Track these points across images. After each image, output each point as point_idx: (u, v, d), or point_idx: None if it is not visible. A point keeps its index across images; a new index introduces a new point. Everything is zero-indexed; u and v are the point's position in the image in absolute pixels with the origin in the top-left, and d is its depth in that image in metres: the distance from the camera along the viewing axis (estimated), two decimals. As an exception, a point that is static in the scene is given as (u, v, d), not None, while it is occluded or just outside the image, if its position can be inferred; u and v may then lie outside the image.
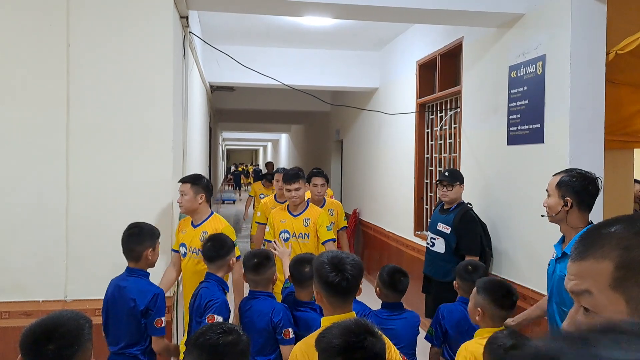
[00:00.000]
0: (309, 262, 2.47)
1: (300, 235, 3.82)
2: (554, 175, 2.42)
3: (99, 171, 2.87)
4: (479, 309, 2.39)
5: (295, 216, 3.87)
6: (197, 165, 5.80)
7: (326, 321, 1.77)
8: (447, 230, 3.72)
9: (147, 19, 3.16)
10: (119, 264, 2.61)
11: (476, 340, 2.35)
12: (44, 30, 3.07)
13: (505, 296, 2.40)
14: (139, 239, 2.54)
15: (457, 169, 4.70)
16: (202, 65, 5.87)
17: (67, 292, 3.09)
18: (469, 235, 3.61)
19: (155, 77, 3.17)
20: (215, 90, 7.76)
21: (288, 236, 3.81)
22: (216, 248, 2.65)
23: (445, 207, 3.85)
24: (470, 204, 3.94)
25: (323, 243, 3.80)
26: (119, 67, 3.15)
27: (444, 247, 3.72)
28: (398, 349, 1.91)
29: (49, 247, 3.04)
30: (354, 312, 1.84)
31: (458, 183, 3.77)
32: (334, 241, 3.93)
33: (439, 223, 3.79)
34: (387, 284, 2.70)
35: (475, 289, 2.43)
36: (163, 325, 2.47)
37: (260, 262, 2.53)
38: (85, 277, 3.08)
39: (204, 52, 5.91)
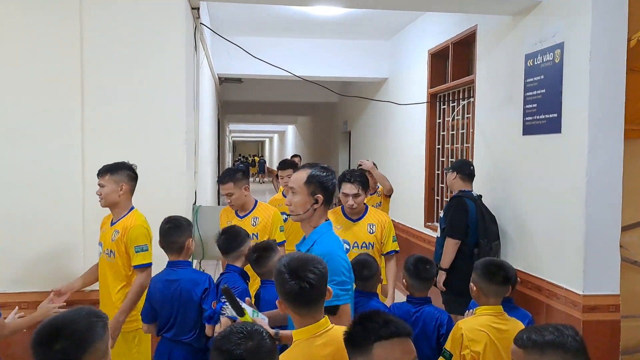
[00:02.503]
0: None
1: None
2: (296, 172, 2.17)
3: (112, 164, 2.84)
4: (472, 285, 2.45)
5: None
6: (207, 157, 5.78)
7: (298, 334, 1.63)
8: (441, 215, 4.00)
9: (159, 11, 3.12)
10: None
11: (472, 317, 2.40)
12: (57, 25, 3.06)
13: (494, 271, 2.40)
14: (179, 231, 2.60)
15: (470, 159, 4.66)
16: (211, 56, 5.82)
17: (85, 285, 3.10)
18: (451, 219, 3.76)
19: (168, 70, 3.14)
20: (224, 82, 7.71)
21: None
22: (229, 240, 2.74)
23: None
24: (480, 195, 3.97)
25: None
26: (132, 60, 3.13)
27: (439, 231, 3.95)
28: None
29: (67, 239, 3.05)
30: (326, 319, 1.66)
31: (450, 171, 3.98)
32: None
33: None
34: (412, 274, 2.67)
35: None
36: (218, 306, 2.57)
37: (259, 255, 2.57)
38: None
39: (212, 44, 5.86)
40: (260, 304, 2.49)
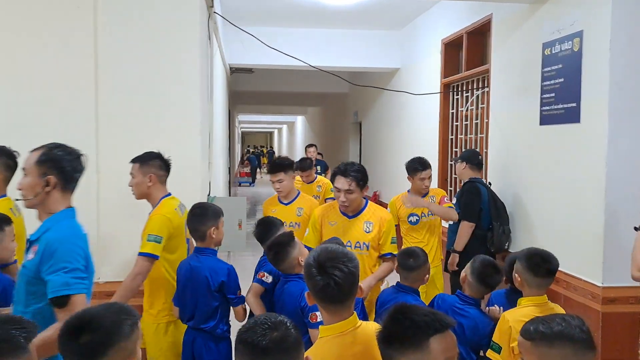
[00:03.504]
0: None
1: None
2: (31, 152, 1.94)
3: (128, 155, 2.82)
4: (516, 275, 2.40)
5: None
6: (220, 148, 5.78)
7: (325, 331, 1.58)
8: (454, 201, 4.21)
9: (174, 0, 3.10)
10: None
11: (516, 308, 2.36)
12: (71, 15, 3.05)
13: (539, 264, 2.33)
14: (201, 219, 2.60)
15: (484, 150, 4.63)
16: (223, 46, 5.80)
17: (99, 274, 3.11)
18: (465, 202, 3.96)
19: (183, 60, 3.13)
20: (234, 73, 7.69)
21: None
22: (266, 231, 2.83)
23: None
24: (490, 183, 4.14)
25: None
26: (146, 50, 3.12)
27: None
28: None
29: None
30: (355, 316, 1.60)
31: (460, 161, 4.16)
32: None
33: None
34: (476, 276, 2.55)
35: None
36: (242, 294, 2.64)
37: (276, 251, 2.46)
38: (118, 260, 3.10)
39: (224, 34, 5.84)
40: (284, 298, 2.44)
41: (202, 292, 2.57)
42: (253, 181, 21.79)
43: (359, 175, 2.79)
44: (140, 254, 2.62)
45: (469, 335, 2.47)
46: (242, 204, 3.94)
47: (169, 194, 2.80)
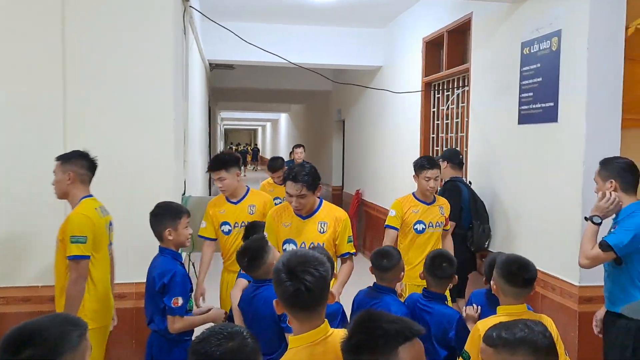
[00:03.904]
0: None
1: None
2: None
3: (97, 153, 2.73)
4: (493, 282, 2.30)
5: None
6: (198, 146, 5.68)
7: (295, 341, 1.51)
8: None
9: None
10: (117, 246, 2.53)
11: (490, 317, 2.26)
12: (39, 6, 2.93)
13: (515, 272, 2.19)
14: (158, 220, 2.54)
15: (464, 149, 4.62)
16: (202, 42, 5.70)
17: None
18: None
19: (156, 54, 3.04)
20: (215, 69, 7.59)
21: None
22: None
23: None
24: (471, 182, 4.12)
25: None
26: (117, 43, 3.02)
27: None
28: None
29: (48, 231, 2.94)
30: (326, 324, 1.54)
31: (441, 160, 4.06)
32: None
33: None
34: (427, 269, 2.55)
35: None
36: (180, 304, 2.43)
37: (251, 257, 2.37)
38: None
39: (203, 29, 5.73)
40: (258, 303, 2.34)
41: (151, 292, 2.50)
42: (236, 179, 21.59)
43: (310, 179, 2.75)
44: (69, 257, 2.53)
45: (434, 331, 2.46)
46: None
47: (90, 195, 2.68)
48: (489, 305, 2.54)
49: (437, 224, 3.63)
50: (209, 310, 2.68)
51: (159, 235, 2.54)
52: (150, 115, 3.05)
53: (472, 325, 2.52)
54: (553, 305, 3.28)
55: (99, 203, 2.73)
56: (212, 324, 1.44)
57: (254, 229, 3.01)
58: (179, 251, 2.60)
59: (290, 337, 1.56)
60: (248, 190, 3.51)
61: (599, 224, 2.60)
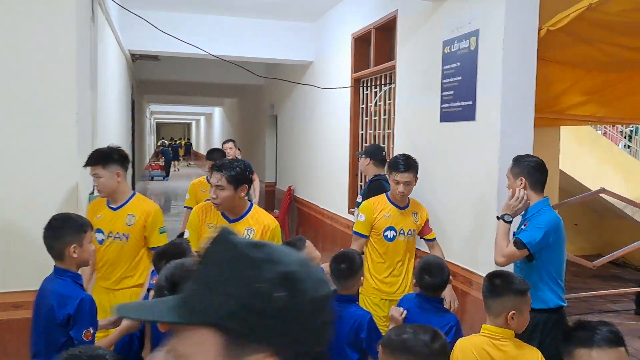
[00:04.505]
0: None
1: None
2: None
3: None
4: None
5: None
6: (117, 140, 5.35)
7: None
8: (359, 199, 3.84)
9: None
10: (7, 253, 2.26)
11: (471, 336, 2.14)
12: None
13: (496, 285, 2.08)
14: (58, 234, 2.16)
15: (392, 145, 4.64)
16: (120, 31, 5.36)
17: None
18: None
19: (54, 41, 2.77)
20: (138, 60, 7.21)
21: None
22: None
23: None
24: None
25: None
26: (11, 28, 2.72)
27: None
28: None
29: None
30: None
31: (363, 156, 3.95)
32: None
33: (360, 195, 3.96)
34: (331, 271, 2.41)
35: None
36: (92, 337, 2.10)
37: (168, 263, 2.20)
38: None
39: (122, 17, 5.40)
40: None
41: (45, 324, 2.11)
42: (167, 175, 20.91)
43: (233, 173, 2.56)
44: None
45: (345, 333, 2.38)
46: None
47: None
48: (419, 310, 2.50)
49: (409, 233, 3.26)
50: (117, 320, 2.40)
51: (59, 253, 2.16)
52: (48, 107, 2.78)
53: (392, 325, 2.50)
54: (474, 301, 3.35)
55: None
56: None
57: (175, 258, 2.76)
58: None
59: None
60: (133, 195, 2.97)
61: (510, 222, 2.68)
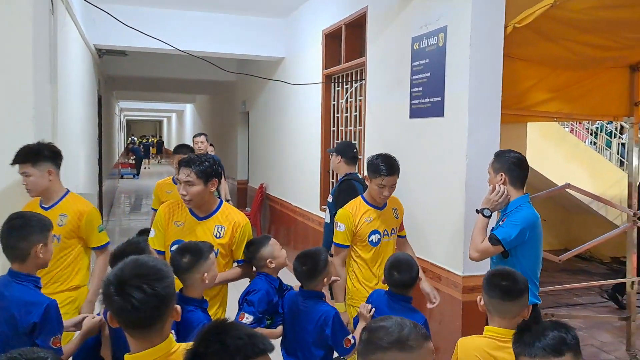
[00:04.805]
0: (189, 251, 2.17)
1: None
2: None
3: None
4: (479, 297, 2.07)
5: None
6: (81, 137, 5.20)
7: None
8: (330, 199, 3.72)
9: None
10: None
11: (473, 337, 2.05)
12: None
13: (496, 284, 1.96)
14: (22, 233, 2.03)
15: (362, 142, 4.63)
16: (84, 25, 5.20)
17: None
18: (342, 203, 3.34)
19: (8, 35, 2.64)
20: (105, 55, 7.02)
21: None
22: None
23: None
24: (366, 177, 3.83)
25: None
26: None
27: (329, 217, 3.68)
28: None
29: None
30: (170, 338, 1.38)
31: (334, 154, 3.77)
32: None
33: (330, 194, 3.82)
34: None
35: None
36: (60, 345, 1.99)
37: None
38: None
39: (86, 11, 5.24)
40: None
41: (9, 332, 1.97)
42: (138, 173, 20.52)
43: (203, 168, 2.47)
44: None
45: (311, 330, 2.35)
46: (91, 200, 3.48)
47: None
48: (388, 309, 2.46)
49: (393, 231, 3.11)
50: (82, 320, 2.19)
51: (24, 254, 2.03)
52: (3, 102, 2.66)
53: (362, 324, 2.48)
54: (441, 296, 3.36)
55: None
56: None
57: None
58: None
59: (126, 357, 1.37)
60: (66, 194, 2.80)
61: (489, 217, 2.65)
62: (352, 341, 2.37)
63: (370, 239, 3.01)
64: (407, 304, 2.52)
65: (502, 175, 2.65)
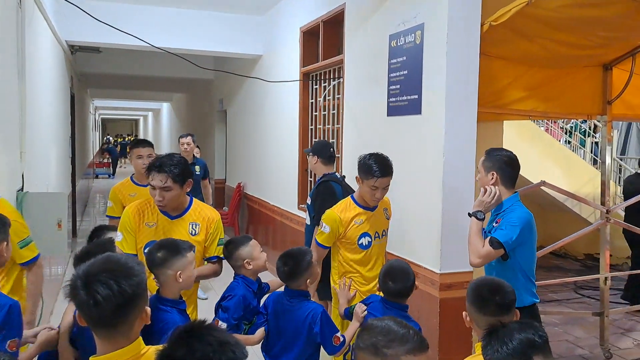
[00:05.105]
0: (165, 247, 2.11)
1: None
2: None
3: None
4: (465, 313, 1.94)
5: None
6: (52, 136, 5.05)
7: None
8: (309, 201, 3.65)
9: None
10: None
11: (471, 357, 1.86)
12: None
13: (488, 299, 1.85)
14: None
15: (340, 140, 4.61)
16: (55, 20, 5.06)
17: None
18: (320, 206, 3.32)
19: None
20: (78, 51, 6.85)
21: None
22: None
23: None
24: (344, 176, 3.81)
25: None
26: None
27: (308, 218, 3.65)
28: None
29: None
30: (138, 341, 1.33)
31: (311, 154, 3.67)
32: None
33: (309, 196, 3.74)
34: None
35: None
36: (17, 348, 1.91)
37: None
38: None
39: (57, 6, 5.09)
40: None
41: None
42: (113, 173, 20.16)
43: (177, 171, 2.39)
44: None
45: (299, 328, 2.33)
46: (62, 200, 3.37)
47: None
48: (383, 313, 2.40)
49: (384, 233, 3.02)
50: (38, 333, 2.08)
51: None
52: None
53: (356, 324, 2.46)
54: (418, 293, 3.33)
55: None
56: None
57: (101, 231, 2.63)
58: None
59: (91, 358, 1.32)
60: None
61: (482, 219, 2.59)
62: (342, 339, 2.35)
63: (360, 242, 2.89)
64: (402, 312, 2.44)
65: (493, 174, 2.59)
